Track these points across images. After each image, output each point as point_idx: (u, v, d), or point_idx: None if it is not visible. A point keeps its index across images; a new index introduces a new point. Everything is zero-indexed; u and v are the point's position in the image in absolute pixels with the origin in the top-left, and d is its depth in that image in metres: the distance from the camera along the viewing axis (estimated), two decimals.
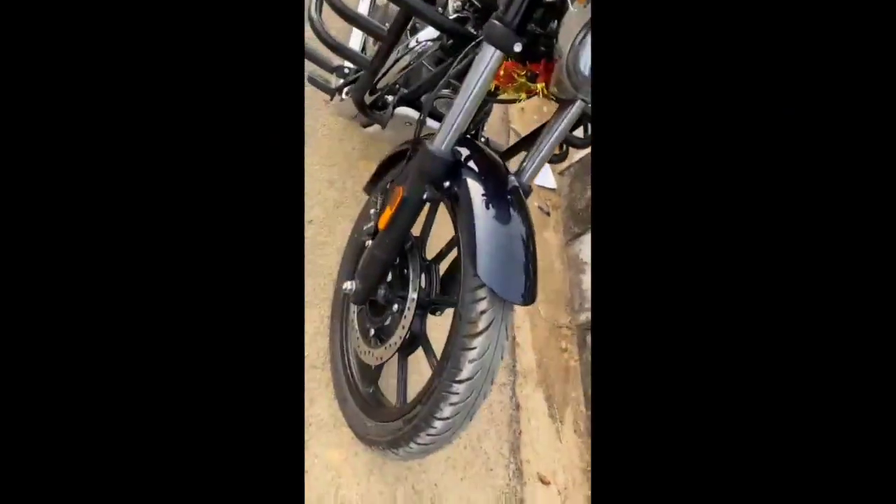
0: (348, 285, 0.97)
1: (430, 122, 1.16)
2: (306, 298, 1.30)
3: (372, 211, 1.02)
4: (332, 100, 1.25)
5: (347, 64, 1.27)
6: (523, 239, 0.76)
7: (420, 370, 1.11)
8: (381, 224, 0.88)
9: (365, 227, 1.01)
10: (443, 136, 0.80)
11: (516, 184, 0.84)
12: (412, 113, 1.15)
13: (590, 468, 1.66)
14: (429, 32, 0.96)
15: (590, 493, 1.63)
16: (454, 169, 0.81)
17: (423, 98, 1.13)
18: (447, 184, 0.81)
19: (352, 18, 0.88)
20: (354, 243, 1.23)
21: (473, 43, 0.79)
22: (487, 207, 0.77)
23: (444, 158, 0.80)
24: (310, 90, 1.55)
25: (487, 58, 0.72)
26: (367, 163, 1.63)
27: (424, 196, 0.83)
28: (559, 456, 1.63)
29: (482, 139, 1.19)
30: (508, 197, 0.80)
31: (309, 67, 1.25)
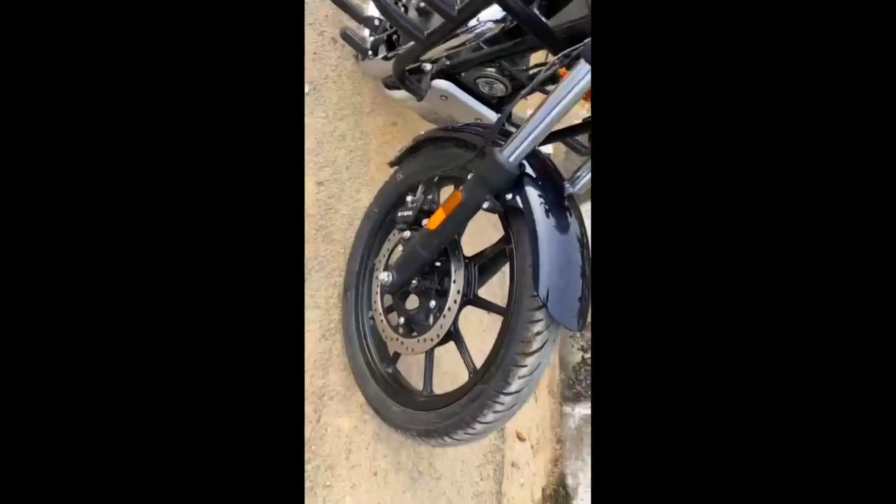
0: (384, 276, 0.96)
1: (461, 95, 1.10)
2: (318, 266, 1.27)
3: (409, 198, 0.98)
4: (362, 59, 1.13)
5: (377, 14, 1.15)
6: (581, 260, 0.78)
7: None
8: (432, 225, 0.86)
9: (400, 214, 0.98)
10: (514, 148, 0.76)
11: (571, 191, 0.83)
12: (449, 87, 1.08)
13: (558, 427, 1.84)
14: (492, 13, 0.87)
15: (556, 445, 1.83)
16: (517, 180, 0.79)
17: (462, 75, 1.06)
18: (509, 196, 0.79)
19: None
20: (374, 220, 1.18)
21: (562, 54, 0.74)
22: (550, 228, 0.77)
23: (511, 172, 0.77)
24: (313, 34, 1.39)
25: (581, 76, 0.68)
26: (377, 117, 1.53)
27: (485, 206, 0.81)
28: (534, 415, 1.78)
29: None
30: (568, 213, 0.80)
31: (340, 21, 1.11)
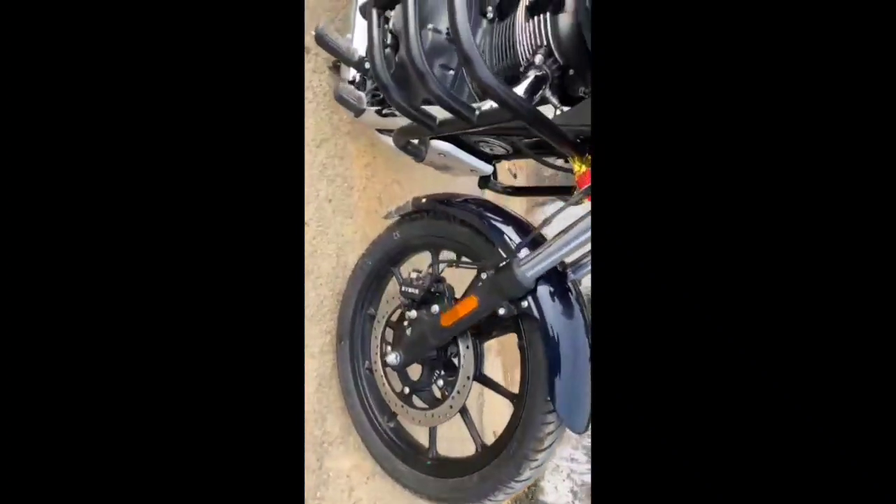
0: (392, 358, 0.97)
1: (461, 154, 1.08)
2: (308, 315, 1.24)
3: (414, 275, 0.98)
4: (356, 116, 1.05)
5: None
6: (588, 359, 0.84)
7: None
8: (445, 322, 0.87)
9: (405, 288, 0.97)
10: (534, 265, 0.78)
11: (573, 278, 0.87)
12: (449, 148, 1.04)
13: None
14: None
15: None
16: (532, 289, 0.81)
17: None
18: (524, 303, 0.82)
19: (441, 99, 0.73)
20: (368, 272, 1.17)
21: (588, 187, 0.73)
22: (563, 335, 0.81)
23: (529, 287, 0.79)
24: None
25: None
26: (358, 138, 1.44)
27: (501, 312, 0.83)
28: (507, 413, 1.94)
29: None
30: (575, 308, 0.84)
31: (335, 79, 1.01)
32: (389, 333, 1.08)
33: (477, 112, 0.76)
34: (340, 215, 1.38)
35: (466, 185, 1.36)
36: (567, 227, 0.75)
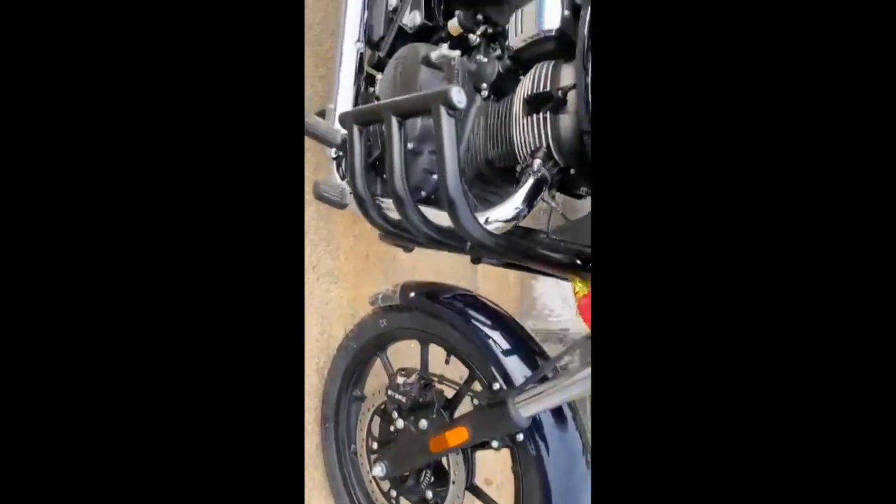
0: (378, 470, 0.91)
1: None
2: None
3: (401, 380, 0.91)
4: (339, 208, 0.97)
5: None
6: (588, 489, 0.78)
7: None
8: (434, 448, 0.81)
9: (392, 392, 0.91)
10: (533, 405, 0.71)
11: None
12: None
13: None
14: (500, 213, 0.77)
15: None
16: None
17: None
18: (520, 437, 0.76)
19: (427, 235, 0.65)
20: (353, 354, 1.10)
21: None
22: (561, 470, 0.76)
23: (524, 427, 0.73)
24: None
25: None
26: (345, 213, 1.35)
27: (493, 445, 0.77)
28: (498, 458, 1.90)
29: None
30: (580, 442, 0.79)
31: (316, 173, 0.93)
32: (376, 421, 1.03)
33: (468, 245, 0.68)
34: (325, 281, 1.30)
35: None
36: (577, 367, 0.68)
